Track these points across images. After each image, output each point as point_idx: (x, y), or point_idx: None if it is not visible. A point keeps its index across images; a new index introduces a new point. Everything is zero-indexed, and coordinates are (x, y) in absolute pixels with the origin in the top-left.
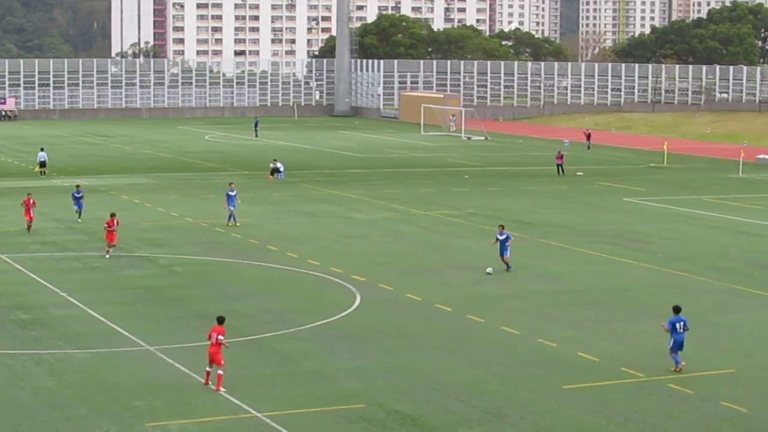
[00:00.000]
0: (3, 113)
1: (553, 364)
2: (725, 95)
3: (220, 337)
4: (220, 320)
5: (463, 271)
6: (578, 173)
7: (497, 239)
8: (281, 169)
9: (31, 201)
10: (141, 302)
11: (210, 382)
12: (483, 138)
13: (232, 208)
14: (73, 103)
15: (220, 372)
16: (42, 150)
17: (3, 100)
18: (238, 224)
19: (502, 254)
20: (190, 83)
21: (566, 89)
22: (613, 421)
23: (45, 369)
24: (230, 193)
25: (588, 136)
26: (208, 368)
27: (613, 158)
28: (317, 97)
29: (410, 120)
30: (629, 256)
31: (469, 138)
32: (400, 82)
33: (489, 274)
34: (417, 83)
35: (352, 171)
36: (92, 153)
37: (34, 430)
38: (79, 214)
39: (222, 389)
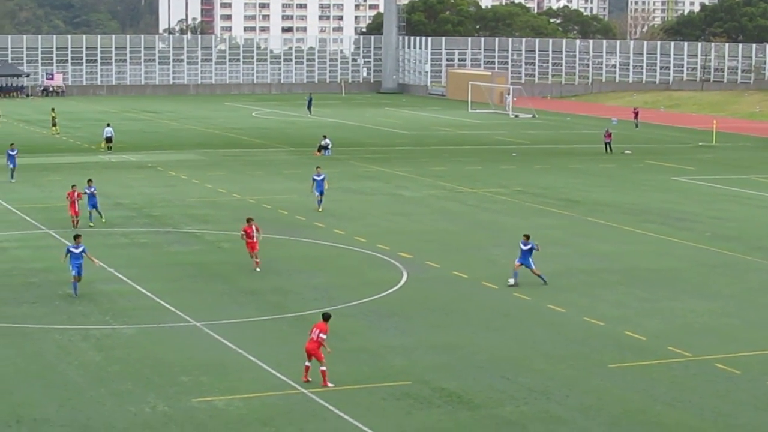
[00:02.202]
0: (51, 89)
1: (599, 342)
2: None
3: (322, 335)
4: (326, 317)
5: (509, 248)
6: (626, 151)
7: (522, 248)
8: (329, 146)
9: (76, 194)
10: (188, 278)
11: (309, 378)
12: (531, 116)
13: (317, 194)
14: (121, 79)
15: (323, 368)
16: (108, 125)
17: (51, 76)
18: (320, 210)
19: (529, 268)
20: (238, 60)
21: (614, 67)
22: (659, 401)
23: (92, 344)
24: (317, 177)
25: (636, 115)
26: (307, 363)
27: (662, 137)
28: (364, 74)
29: (457, 97)
30: (677, 235)
31: (516, 116)
32: (447, 60)
33: (510, 285)
34: (464, 61)
35: (399, 148)
36: (140, 129)
37: (81, 404)
38: (100, 215)
39: (330, 384)
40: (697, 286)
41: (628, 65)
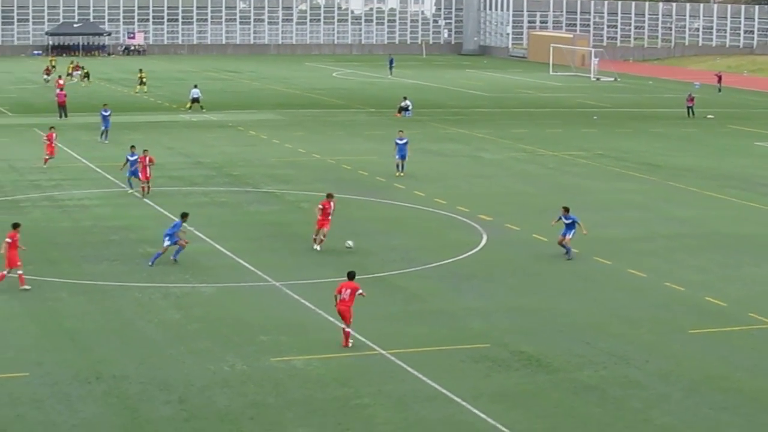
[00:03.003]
0: (132, 48)
1: (679, 308)
2: None
3: (360, 291)
4: (351, 276)
5: (590, 212)
6: (708, 116)
7: (561, 219)
8: (409, 108)
9: (148, 159)
10: (267, 238)
11: (351, 343)
12: (612, 79)
13: (398, 158)
14: (202, 38)
15: (349, 330)
16: (195, 87)
17: (132, 35)
18: (402, 174)
19: (564, 235)
20: (319, 20)
21: (697, 31)
22: (740, 367)
23: (171, 302)
24: (399, 141)
25: (719, 79)
26: (346, 328)
27: (745, 101)
28: (445, 35)
29: (539, 60)
30: (759, 200)
31: (598, 79)
32: (529, 22)
33: (349, 247)
34: (546, 23)
35: (479, 110)
36: (220, 88)
37: (160, 362)
38: (131, 185)
39: (350, 344)
40: None
41: (712, 29)
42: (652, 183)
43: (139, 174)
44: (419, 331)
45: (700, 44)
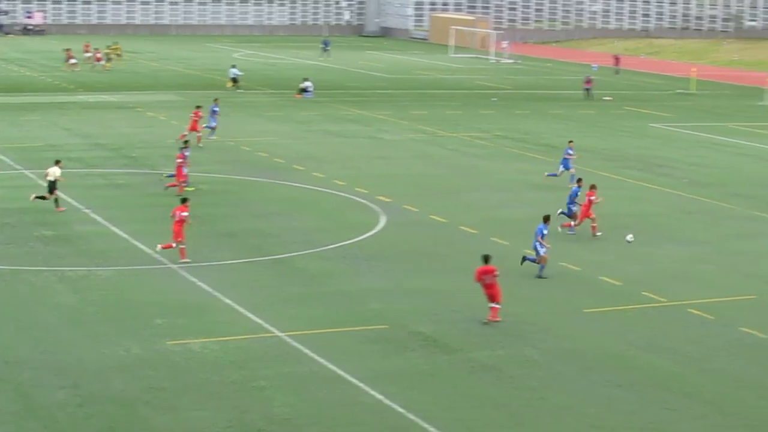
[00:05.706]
0: (30, 27)
1: (575, 287)
2: (754, 23)
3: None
4: (487, 259)
5: (488, 193)
6: (606, 98)
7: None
8: (310, 89)
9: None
10: (165, 220)
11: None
12: (512, 61)
13: (563, 170)
14: (101, 18)
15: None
16: (233, 67)
17: (30, 15)
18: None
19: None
20: (220, 1)
21: (596, 14)
22: (633, 345)
23: (67, 286)
24: (570, 152)
25: (617, 61)
26: (496, 306)
27: (641, 84)
28: (347, 17)
29: (440, 41)
30: (655, 181)
31: (497, 61)
32: (430, 4)
33: (629, 241)
34: (447, 5)
35: (380, 92)
36: (120, 69)
37: (56, 346)
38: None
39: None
40: (674, 232)
41: (610, 12)
42: (550, 164)
43: (174, 173)
44: (317, 313)
45: (598, 27)
